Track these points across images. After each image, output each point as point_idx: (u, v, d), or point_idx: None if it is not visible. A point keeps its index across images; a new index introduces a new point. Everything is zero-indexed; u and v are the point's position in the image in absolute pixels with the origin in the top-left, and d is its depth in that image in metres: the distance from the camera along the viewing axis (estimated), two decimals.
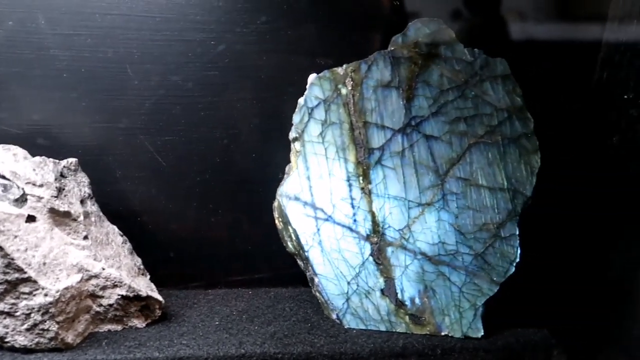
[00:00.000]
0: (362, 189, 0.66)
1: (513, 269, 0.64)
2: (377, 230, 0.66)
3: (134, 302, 0.65)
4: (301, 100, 0.66)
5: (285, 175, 0.70)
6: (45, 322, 0.59)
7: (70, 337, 0.62)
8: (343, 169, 0.66)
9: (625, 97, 0.65)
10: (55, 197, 0.62)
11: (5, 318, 0.59)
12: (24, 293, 0.59)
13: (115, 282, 0.64)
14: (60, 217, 0.62)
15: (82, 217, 0.64)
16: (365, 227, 0.66)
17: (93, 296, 0.64)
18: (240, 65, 0.72)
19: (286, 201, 0.68)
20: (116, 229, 0.71)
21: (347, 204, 0.66)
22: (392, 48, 0.64)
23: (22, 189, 0.60)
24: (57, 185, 0.62)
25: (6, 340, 0.59)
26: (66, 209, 0.62)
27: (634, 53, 0.65)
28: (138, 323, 0.67)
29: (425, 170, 0.65)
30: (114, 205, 0.73)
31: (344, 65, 0.65)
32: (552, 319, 0.69)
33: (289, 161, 0.69)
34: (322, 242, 0.67)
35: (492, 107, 0.63)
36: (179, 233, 0.77)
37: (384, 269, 0.67)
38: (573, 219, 0.72)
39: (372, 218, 0.66)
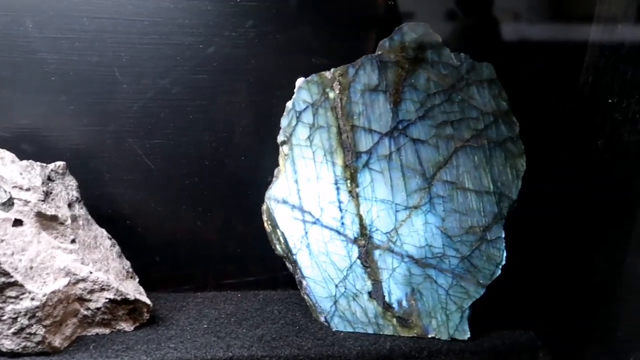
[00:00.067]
0: (350, 192, 0.66)
1: (499, 272, 0.64)
2: (364, 233, 0.67)
3: (121, 305, 0.65)
4: (289, 104, 0.67)
5: (273, 179, 0.70)
6: (32, 326, 0.59)
7: (57, 341, 0.62)
8: (331, 172, 0.66)
9: (610, 101, 0.66)
10: (42, 200, 0.62)
11: None
12: (10, 297, 0.58)
13: (102, 285, 0.64)
14: (47, 221, 0.62)
15: (69, 221, 0.64)
16: (352, 230, 0.67)
17: (80, 300, 0.64)
18: (229, 68, 0.72)
19: (274, 204, 0.68)
20: (105, 232, 0.71)
21: (335, 207, 0.67)
22: (380, 52, 0.65)
23: (9, 192, 0.60)
24: (44, 189, 0.62)
25: None
26: (53, 213, 0.62)
27: (618, 57, 0.66)
28: (126, 326, 0.67)
29: (412, 173, 0.65)
30: (103, 208, 0.73)
31: (332, 69, 0.65)
32: (538, 320, 0.70)
33: (278, 164, 0.69)
34: (310, 245, 0.68)
35: (478, 111, 0.63)
36: (168, 236, 0.77)
37: (371, 272, 0.67)
38: (558, 222, 0.73)
39: (359, 221, 0.67)
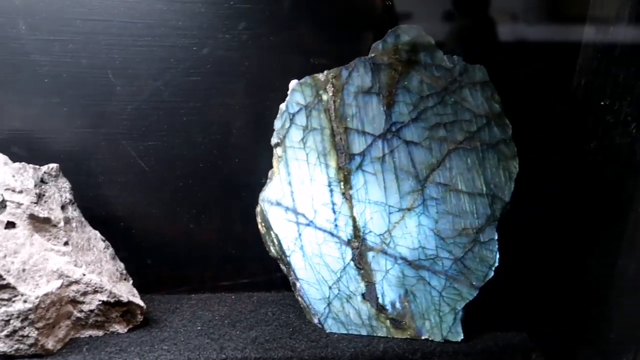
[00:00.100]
0: (343, 194, 0.66)
1: (492, 274, 0.65)
2: (358, 235, 0.67)
3: (115, 307, 0.65)
4: (282, 106, 0.67)
5: (267, 181, 0.70)
6: (25, 328, 0.59)
7: (50, 343, 0.62)
8: (324, 174, 0.66)
9: (602, 103, 0.66)
10: (35, 203, 0.62)
11: None
12: (2, 299, 0.58)
13: (96, 287, 0.64)
14: (40, 223, 0.62)
15: (62, 223, 0.64)
16: (346, 232, 0.67)
17: (74, 302, 0.63)
18: (223, 70, 0.72)
19: (268, 206, 0.68)
20: (98, 234, 0.71)
21: (329, 209, 0.67)
22: (373, 54, 0.65)
23: (1, 195, 0.60)
24: (37, 191, 0.62)
25: None
26: (46, 215, 0.62)
27: (611, 59, 0.66)
28: (120, 328, 0.67)
29: (406, 175, 0.65)
30: (97, 210, 0.73)
31: (325, 72, 0.65)
32: (531, 322, 0.70)
33: (272, 166, 0.69)
34: (303, 247, 0.68)
35: (471, 114, 0.64)
36: (162, 238, 0.77)
37: (365, 274, 0.67)
38: (551, 224, 0.73)
39: (353, 223, 0.67)
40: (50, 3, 0.67)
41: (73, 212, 0.67)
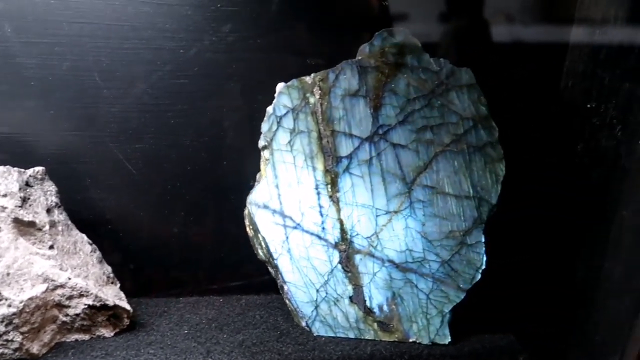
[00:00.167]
0: (331, 197, 0.66)
1: (479, 276, 0.65)
2: (345, 238, 0.67)
3: (101, 311, 0.65)
4: (270, 109, 0.67)
5: (255, 183, 0.70)
6: (9, 332, 0.59)
7: (35, 348, 0.61)
8: (311, 177, 0.66)
9: (589, 106, 0.67)
10: (19, 206, 0.61)
11: None
12: None
13: (81, 291, 0.63)
14: (25, 227, 0.62)
15: (47, 227, 0.63)
16: (333, 235, 0.67)
17: (59, 306, 0.63)
18: (210, 73, 0.72)
19: (255, 209, 0.68)
20: (85, 238, 0.70)
21: (316, 212, 0.67)
22: (360, 57, 0.65)
23: None
24: (22, 194, 0.62)
25: None
26: (31, 219, 0.62)
27: (596, 62, 0.66)
28: (106, 332, 0.66)
29: (393, 178, 0.65)
30: (84, 213, 0.73)
31: (312, 74, 0.65)
32: (518, 324, 0.70)
33: (259, 169, 0.69)
34: (291, 250, 0.68)
35: (457, 116, 0.64)
36: (150, 241, 0.76)
37: (352, 277, 0.67)
38: (537, 227, 0.73)
39: (340, 226, 0.67)
40: (36, 5, 0.67)
41: (59, 216, 0.67)
